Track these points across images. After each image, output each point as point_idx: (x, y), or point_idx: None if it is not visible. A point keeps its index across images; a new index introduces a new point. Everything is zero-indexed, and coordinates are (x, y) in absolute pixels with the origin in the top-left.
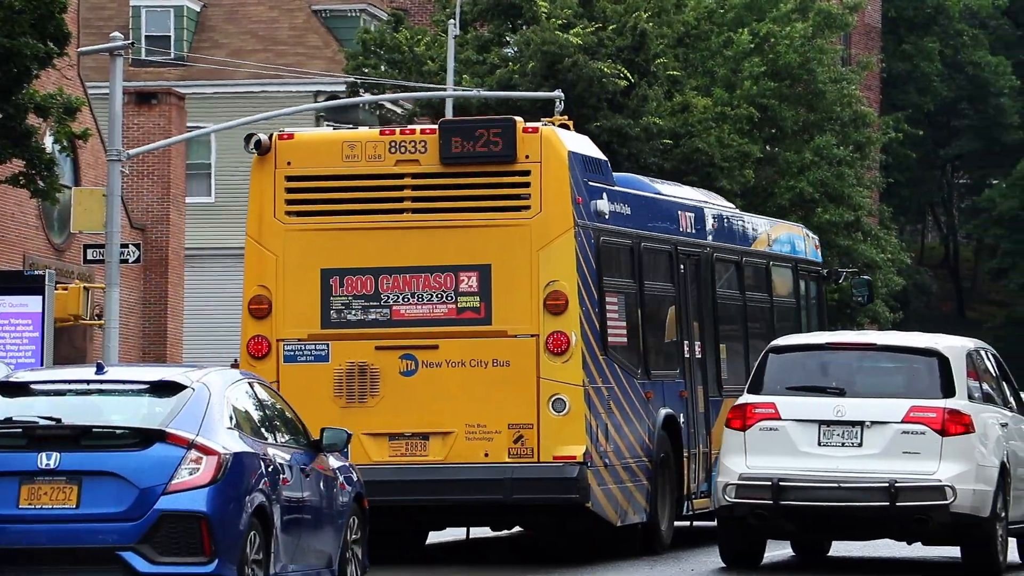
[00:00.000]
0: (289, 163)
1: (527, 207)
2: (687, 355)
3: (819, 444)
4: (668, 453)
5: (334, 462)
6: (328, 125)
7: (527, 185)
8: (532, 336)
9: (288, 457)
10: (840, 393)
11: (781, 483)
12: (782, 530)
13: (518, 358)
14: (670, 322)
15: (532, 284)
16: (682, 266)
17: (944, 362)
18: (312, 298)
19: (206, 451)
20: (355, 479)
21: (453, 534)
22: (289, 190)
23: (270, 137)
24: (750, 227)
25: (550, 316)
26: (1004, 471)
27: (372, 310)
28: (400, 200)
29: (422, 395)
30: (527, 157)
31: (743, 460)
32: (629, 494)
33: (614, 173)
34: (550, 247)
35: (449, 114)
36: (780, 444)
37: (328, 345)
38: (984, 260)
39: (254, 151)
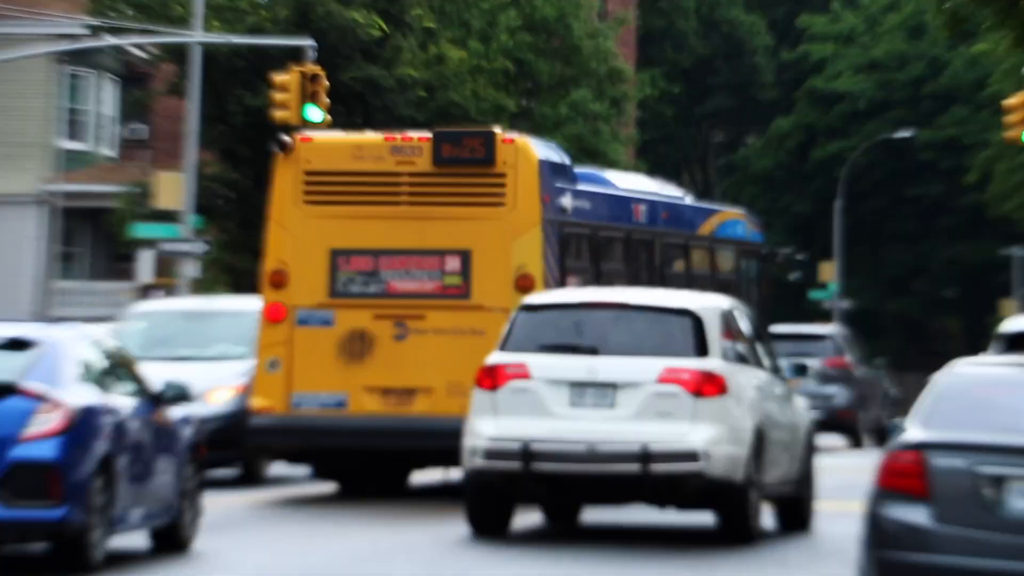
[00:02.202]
0: (308, 161)
1: (503, 204)
2: None
3: (571, 405)
4: None
5: (175, 414)
6: (71, 69)
7: (503, 186)
8: (504, 310)
9: (131, 409)
10: (593, 352)
11: (531, 446)
12: (533, 495)
13: (492, 328)
14: None
15: (505, 267)
16: (633, 251)
17: (698, 322)
18: (322, 272)
19: (56, 403)
20: (192, 431)
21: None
22: (307, 183)
23: (292, 139)
24: (696, 215)
25: (520, 294)
26: (759, 434)
27: (371, 284)
28: (398, 194)
29: (411, 357)
30: (504, 162)
31: (492, 422)
32: None
33: (579, 170)
34: (521, 238)
35: (197, 61)
36: (531, 405)
37: (333, 312)
38: None
39: (280, 150)
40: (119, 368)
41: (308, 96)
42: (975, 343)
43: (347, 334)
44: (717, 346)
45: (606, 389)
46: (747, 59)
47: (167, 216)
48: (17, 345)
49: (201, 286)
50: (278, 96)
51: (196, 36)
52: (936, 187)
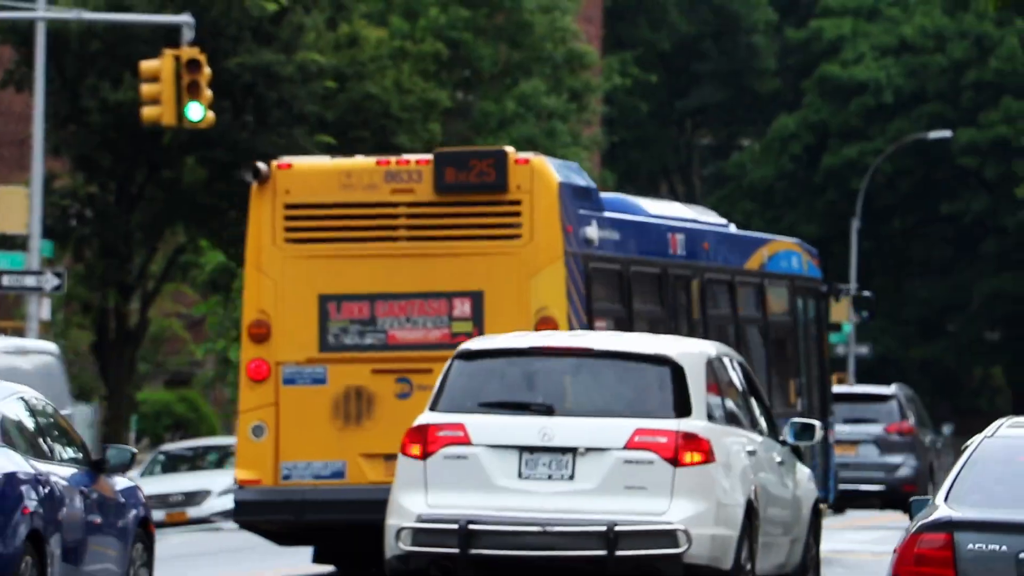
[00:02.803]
0: (288, 191)
1: (518, 236)
2: None
3: (520, 476)
4: None
5: (120, 484)
6: None
7: (518, 215)
8: None
9: (68, 477)
10: (548, 411)
11: (471, 526)
12: None
13: None
14: None
15: (523, 310)
16: (672, 289)
17: (678, 372)
18: (310, 323)
19: None
20: (141, 502)
21: None
22: (288, 218)
23: (268, 166)
24: (744, 245)
25: None
26: (751, 511)
27: (368, 334)
28: (395, 228)
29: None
30: (518, 187)
31: (423, 497)
32: None
33: (604, 194)
34: (540, 275)
35: (40, 41)
36: (471, 476)
37: (326, 368)
38: None
39: (253, 180)
40: (54, 431)
41: (185, 88)
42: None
43: (342, 393)
44: (701, 402)
45: (563, 456)
46: (742, 40)
47: (8, 242)
48: None
49: (53, 329)
50: (147, 88)
51: (39, 11)
52: (979, 202)
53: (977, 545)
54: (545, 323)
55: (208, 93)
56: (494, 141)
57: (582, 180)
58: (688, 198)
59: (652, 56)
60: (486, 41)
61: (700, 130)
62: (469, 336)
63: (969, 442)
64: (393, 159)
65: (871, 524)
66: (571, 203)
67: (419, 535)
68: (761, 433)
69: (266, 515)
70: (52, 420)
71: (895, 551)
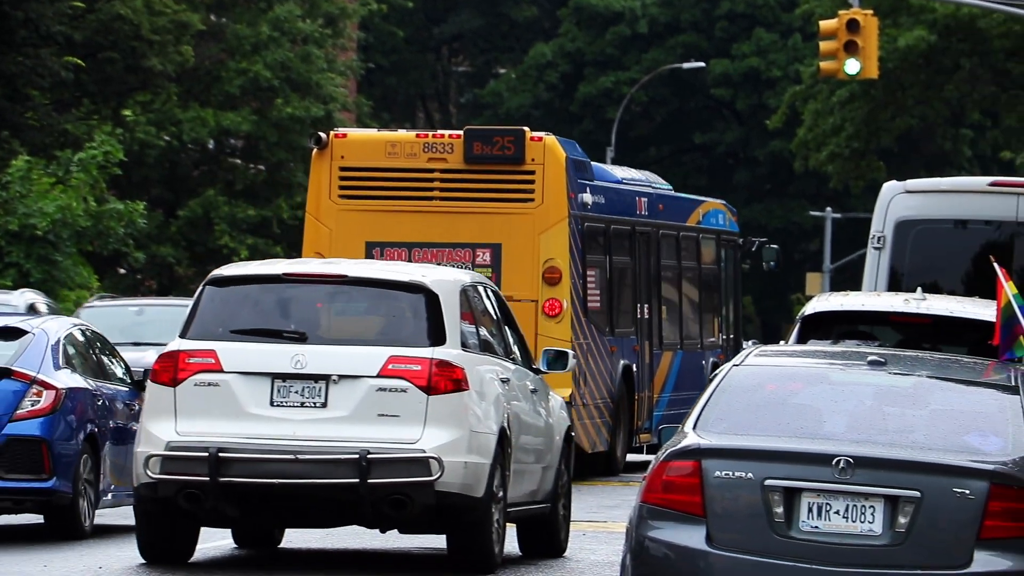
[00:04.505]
0: (343, 157)
1: (532, 199)
2: (639, 316)
3: (272, 404)
4: (624, 396)
5: None
6: None
7: (532, 182)
8: (532, 301)
9: (116, 393)
10: (301, 339)
11: (221, 454)
12: (222, 515)
13: (521, 318)
14: (628, 290)
15: (533, 260)
16: (637, 243)
17: (432, 300)
18: None
19: (46, 385)
20: None
21: None
22: (342, 178)
23: (328, 136)
24: (686, 205)
25: (547, 286)
26: (504, 439)
27: None
28: (430, 190)
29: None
30: (533, 160)
31: (172, 425)
32: (598, 428)
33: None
34: (549, 232)
35: None
36: (222, 404)
37: None
38: None
39: (315, 146)
40: (104, 355)
41: None
42: (775, 328)
43: None
44: (455, 331)
45: (316, 384)
46: None
47: None
48: (10, 333)
49: None
50: None
51: None
52: (731, 133)
53: (724, 472)
54: (552, 272)
55: None
56: (248, 65)
57: (581, 155)
58: (444, 125)
59: None
60: None
61: (457, 57)
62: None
63: (718, 370)
64: (430, 133)
65: None
66: (574, 174)
67: (168, 463)
68: (515, 362)
69: None
70: (103, 346)
71: (644, 478)
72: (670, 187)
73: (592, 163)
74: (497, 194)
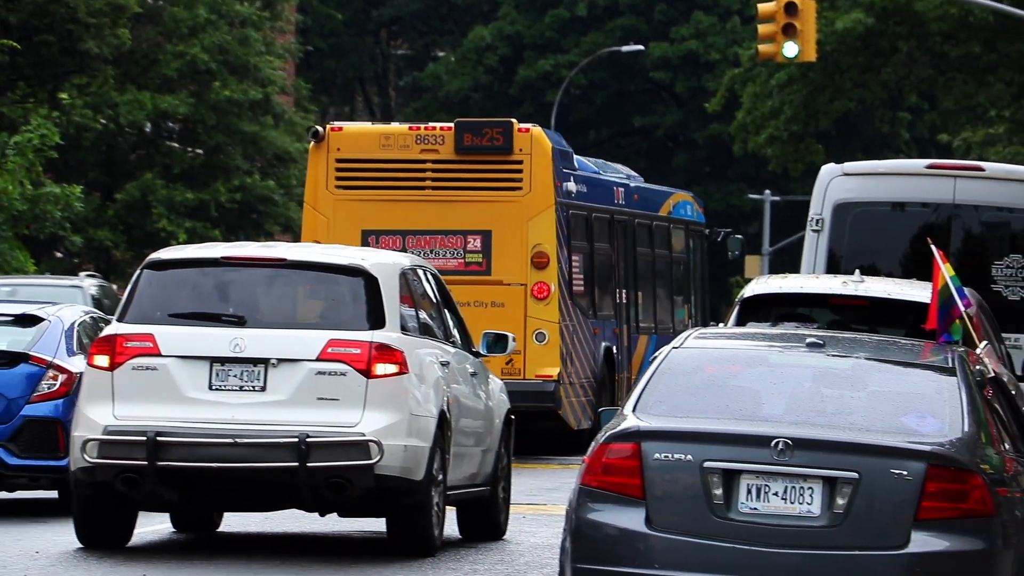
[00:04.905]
0: (339, 149)
1: (520, 188)
2: (618, 301)
3: (211, 388)
4: (606, 376)
5: None
6: None
7: (520, 171)
8: (521, 285)
9: None
10: (239, 322)
11: (159, 438)
12: (160, 499)
13: (511, 301)
14: (608, 275)
15: (522, 246)
16: (616, 231)
17: (372, 283)
18: None
19: (61, 370)
20: None
21: None
22: (339, 170)
23: (324, 129)
24: (658, 196)
25: (535, 270)
26: (443, 422)
27: None
28: (423, 179)
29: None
30: (520, 150)
31: (110, 409)
32: (583, 407)
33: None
34: (537, 218)
35: None
36: (160, 388)
37: None
38: None
39: (312, 140)
40: None
41: None
42: (715, 310)
43: None
44: (395, 314)
45: (255, 368)
46: None
47: None
48: (27, 320)
49: None
50: None
51: None
52: (671, 116)
53: (663, 454)
54: (540, 256)
55: None
56: (185, 48)
57: (564, 146)
58: (384, 108)
59: None
60: None
61: (396, 40)
62: (479, 265)
63: (657, 352)
64: (422, 126)
65: None
66: (559, 163)
67: (105, 447)
68: (455, 345)
69: None
70: None
71: (584, 461)
72: (641, 178)
73: (576, 157)
74: (487, 183)
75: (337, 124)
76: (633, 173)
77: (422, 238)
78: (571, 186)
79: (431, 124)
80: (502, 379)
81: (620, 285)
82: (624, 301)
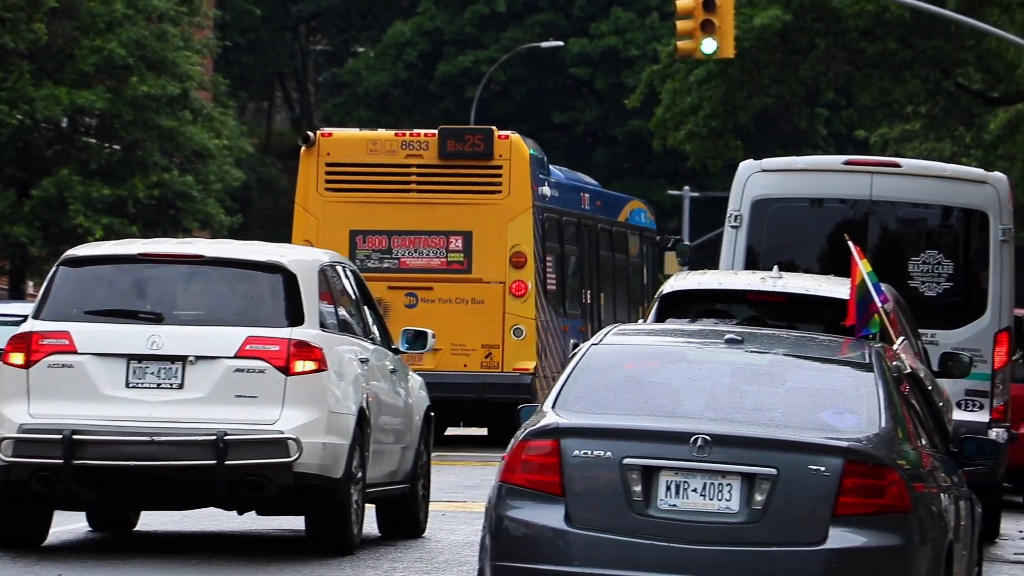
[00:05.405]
0: (328, 153)
1: (499, 191)
2: (584, 300)
3: (128, 385)
4: None
5: None
6: None
7: (500, 176)
8: (500, 283)
9: None
10: (157, 320)
11: (76, 436)
12: (77, 498)
13: (490, 298)
14: (576, 276)
15: (501, 246)
16: (582, 234)
17: (291, 280)
18: (342, 250)
19: None
20: None
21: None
22: (328, 173)
23: (315, 135)
24: (617, 203)
25: (513, 269)
26: (363, 419)
27: (386, 260)
28: (408, 183)
29: (420, 322)
30: (500, 156)
31: (26, 407)
32: None
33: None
34: (515, 220)
35: None
36: (76, 385)
37: None
38: None
39: (303, 144)
40: None
41: None
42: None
43: None
44: (314, 311)
45: (173, 365)
46: None
47: None
48: None
49: None
50: None
51: None
52: (590, 112)
53: (583, 451)
54: (518, 256)
55: None
56: (102, 43)
57: (541, 153)
58: (303, 104)
59: None
60: None
61: (315, 35)
62: (460, 263)
63: (576, 349)
64: (408, 132)
65: None
66: (536, 169)
67: (21, 445)
68: (374, 342)
69: None
70: None
71: (503, 458)
72: (598, 184)
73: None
74: (468, 186)
75: (327, 130)
76: (592, 181)
77: (407, 238)
78: (546, 190)
79: (416, 131)
80: (480, 371)
81: (586, 285)
82: (589, 301)
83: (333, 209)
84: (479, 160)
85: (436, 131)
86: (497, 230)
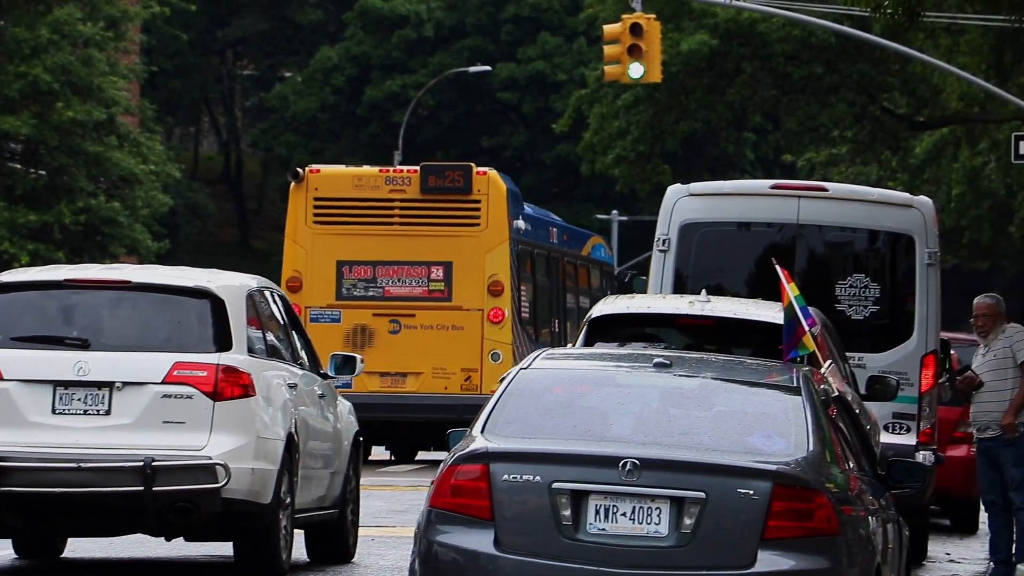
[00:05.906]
0: (316, 189)
1: (478, 224)
2: (553, 328)
3: (55, 412)
4: None
5: None
6: None
7: (478, 210)
8: (479, 310)
9: None
10: (83, 346)
11: (1, 463)
12: (3, 525)
13: (469, 324)
14: (546, 305)
15: (479, 275)
16: (552, 266)
17: (218, 305)
18: (330, 279)
19: None
20: None
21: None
22: (316, 207)
23: (303, 172)
24: (580, 238)
25: (491, 297)
26: (291, 445)
27: (371, 289)
28: (391, 216)
29: (403, 347)
30: (479, 191)
31: None
32: None
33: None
34: (492, 252)
35: None
36: (2, 412)
37: (340, 312)
38: (275, 175)
39: (293, 180)
40: None
41: None
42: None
43: (351, 329)
44: (242, 336)
45: (99, 391)
46: None
47: None
48: None
49: None
50: None
51: None
52: (518, 136)
53: (512, 475)
54: (496, 285)
55: None
56: (27, 69)
57: (516, 188)
58: (230, 129)
59: None
60: None
61: (242, 60)
62: (441, 292)
63: (506, 373)
64: (391, 169)
65: None
66: (511, 203)
67: None
68: (303, 367)
69: None
70: None
71: (432, 483)
72: (562, 220)
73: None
74: (448, 219)
75: (315, 167)
76: (556, 217)
77: (390, 268)
78: (521, 224)
79: (399, 167)
80: (460, 394)
81: (555, 314)
82: (557, 329)
83: (321, 241)
84: (459, 195)
85: (418, 167)
86: (476, 260)
